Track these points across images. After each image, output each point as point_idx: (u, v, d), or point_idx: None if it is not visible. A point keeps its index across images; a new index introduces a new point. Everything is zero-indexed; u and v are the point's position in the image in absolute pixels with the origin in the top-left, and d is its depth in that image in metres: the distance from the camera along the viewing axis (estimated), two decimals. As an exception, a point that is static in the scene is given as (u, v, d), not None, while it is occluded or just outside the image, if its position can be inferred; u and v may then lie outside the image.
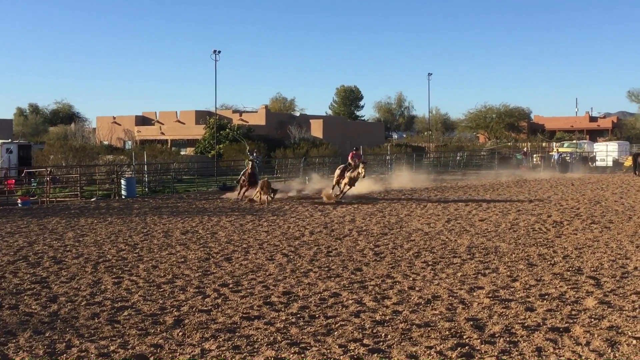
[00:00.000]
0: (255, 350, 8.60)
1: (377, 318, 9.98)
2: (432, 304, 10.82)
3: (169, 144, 64.99)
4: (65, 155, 40.30)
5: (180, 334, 9.32)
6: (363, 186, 30.57)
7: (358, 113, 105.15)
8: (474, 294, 11.47)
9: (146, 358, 8.39)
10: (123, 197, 31.08)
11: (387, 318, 9.98)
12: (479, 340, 8.81)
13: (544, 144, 70.24)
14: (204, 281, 12.72)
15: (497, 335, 9.03)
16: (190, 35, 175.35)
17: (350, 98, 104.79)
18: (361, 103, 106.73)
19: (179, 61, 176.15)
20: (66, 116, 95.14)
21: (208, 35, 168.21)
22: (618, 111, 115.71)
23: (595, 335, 8.96)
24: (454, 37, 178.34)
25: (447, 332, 9.21)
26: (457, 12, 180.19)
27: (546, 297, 11.18)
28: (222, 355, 8.41)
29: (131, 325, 9.78)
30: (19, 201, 28.02)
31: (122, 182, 31.89)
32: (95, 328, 9.65)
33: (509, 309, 10.44)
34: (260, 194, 26.94)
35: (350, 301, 11.04)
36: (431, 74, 72.41)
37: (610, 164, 53.22)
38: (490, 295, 11.34)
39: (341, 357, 8.32)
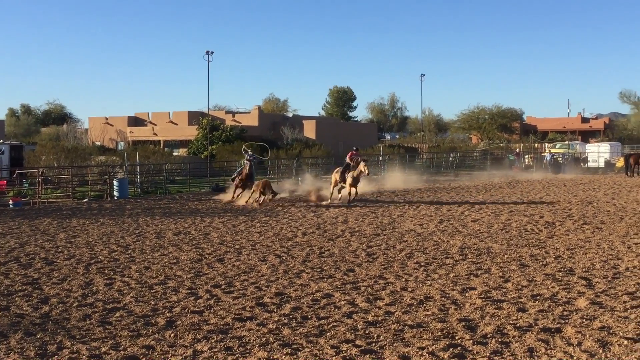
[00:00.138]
0: (247, 351, 8.59)
1: (369, 319, 9.98)
2: (424, 304, 10.83)
3: (161, 145, 64.92)
4: (57, 156, 40.18)
5: (172, 335, 9.30)
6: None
7: (351, 114, 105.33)
8: (466, 294, 11.49)
9: (138, 359, 8.37)
10: (115, 198, 31.00)
11: (380, 319, 9.98)
12: (471, 341, 8.83)
13: (536, 145, 70.49)
14: (197, 282, 12.70)
15: (489, 336, 9.04)
16: (183, 36, 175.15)
17: (343, 99, 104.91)
18: (354, 104, 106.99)
19: (172, 62, 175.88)
20: (58, 117, 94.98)
21: (201, 35, 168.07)
22: (610, 112, 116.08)
23: (587, 336, 8.98)
24: (447, 38, 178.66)
25: (439, 333, 9.22)
26: (450, 13, 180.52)
27: (538, 297, 11.20)
28: (214, 357, 8.40)
29: (123, 326, 9.76)
30: (11, 202, 27.91)
31: (115, 183, 31.81)
32: (87, 329, 9.62)
33: (501, 309, 10.46)
34: (259, 194, 26.47)
35: (342, 302, 11.04)
36: (424, 74, 72.67)
37: (602, 164, 53.41)
38: (482, 296, 11.35)
39: (333, 358, 8.32)
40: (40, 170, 31.46)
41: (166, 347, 8.78)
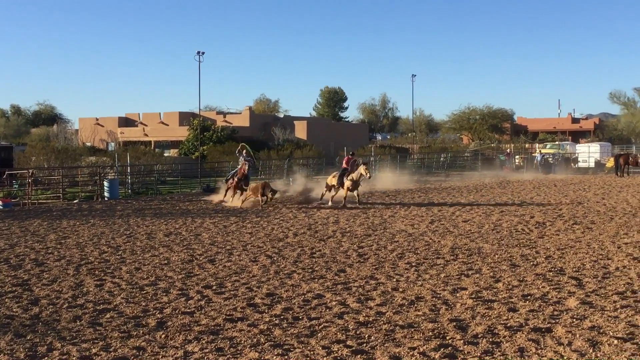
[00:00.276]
0: (238, 352, 8.57)
1: (360, 319, 9.98)
2: (415, 305, 10.84)
3: (152, 146, 64.74)
4: (47, 157, 40.00)
5: (163, 336, 9.28)
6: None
7: (342, 114, 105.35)
8: (457, 294, 11.51)
9: (128, 361, 8.34)
10: (106, 199, 30.92)
11: (371, 319, 9.99)
12: (462, 341, 8.84)
13: (526, 145, 70.67)
14: (187, 283, 12.68)
15: (480, 336, 9.06)
16: (174, 37, 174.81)
17: (334, 99, 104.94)
18: (345, 104, 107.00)
19: (163, 62, 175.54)
20: (48, 117, 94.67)
21: (192, 36, 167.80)
22: (600, 112, 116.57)
23: (577, 336, 9.01)
24: (438, 38, 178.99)
25: (430, 333, 9.23)
26: (441, 14, 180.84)
27: (529, 297, 11.23)
28: (205, 358, 8.38)
29: (113, 327, 9.72)
30: (0, 203, 27.78)
31: (105, 183, 31.73)
32: (77, 331, 9.58)
33: (491, 309, 10.48)
34: (260, 196, 25.96)
35: (333, 302, 11.03)
36: (415, 75, 72.83)
37: (592, 165, 53.63)
38: (473, 296, 11.37)
39: (324, 358, 8.32)
40: (31, 171, 31.36)
41: (157, 348, 8.76)
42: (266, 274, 13.46)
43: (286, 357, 8.38)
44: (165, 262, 14.91)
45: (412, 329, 9.43)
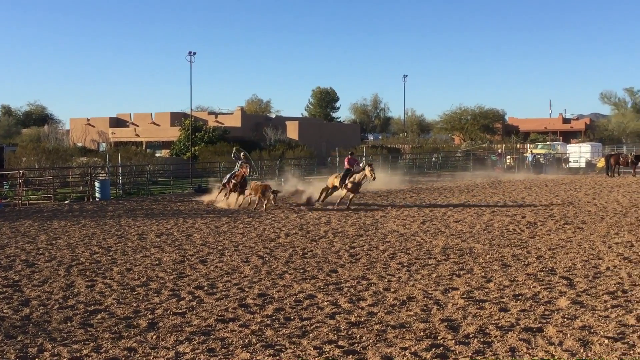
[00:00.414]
0: (230, 352, 8.56)
1: (352, 320, 9.98)
2: (407, 305, 10.85)
3: (143, 146, 64.61)
4: (38, 158, 39.88)
5: (154, 337, 9.25)
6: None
7: (334, 115, 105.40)
8: (449, 294, 11.52)
9: (119, 362, 8.32)
10: (97, 199, 30.83)
11: (362, 319, 9.99)
12: (453, 341, 8.85)
13: (518, 146, 70.85)
14: (179, 284, 12.65)
15: (471, 336, 9.07)
16: (165, 37, 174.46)
17: (326, 100, 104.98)
18: (337, 105, 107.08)
19: (154, 62, 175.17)
20: (39, 118, 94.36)
21: (183, 36, 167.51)
22: (591, 113, 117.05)
23: (568, 335, 9.04)
24: (430, 39, 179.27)
25: (421, 333, 9.24)
26: (432, 14, 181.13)
27: (520, 297, 11.26)
28: (197, 358, 8.36)
29: (104, 328, 9.70)
30: (-9, 204, 27.66)
31: (96, 184, 31.65)
32: (68, 332, 9.55)
33: (483, 309, 10.50)
34: (263, 198, 25.41)
35: (325, 303, 11.03)
36: (407, 75, 72.91)
37: (583, 165, 53.82)
38: (464, 296, 11.39)
39: (316, 359, 8.31)
40: (21, 171, 31.24)
41: (148, 349, 8.73)
42: (258, 274, 13.44)
43: (278, 357, 8.37)
44: (157, 262, 14.88)
45: (404, 329, 9.44)
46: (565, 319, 9.84)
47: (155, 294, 11.80)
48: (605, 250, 15.83)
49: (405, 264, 14.29)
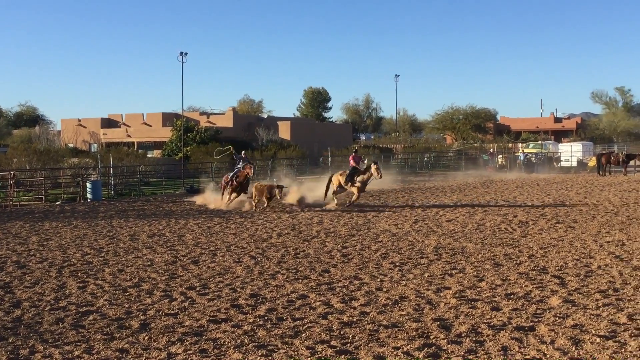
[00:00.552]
0: (222, 353, 8.55)
1: (344, 319, 9.99)
2: (399, 304, 10.86)
3: (135, 147, 64.47)
4: (29, 159, 39.70)
5: (146, 338, 9.23)
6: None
7: (326, 115, 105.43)
8: (441, 294, 11.54)
9: (111, 363, 8.30)
10: (88, 200, 30.73)
11: (355, 319, 10.00)
12: (445, 340, 8.87)
13: (509, 145, 71.00)
14: (171, 284, 12.63)
15: (463, 335, 9.09)
16: (157, 37, 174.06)
17: (318, 100, 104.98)
18: (329, 105, 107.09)
19: (146, 63, 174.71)
20: (30, 119, 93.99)
21: (175, 36, 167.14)
22: (582, 112, 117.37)
23: (560, 334, 9.07)
24: (421, 38, 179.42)
25: (414, 333, 9.25)
26: (424, 14, 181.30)
27: (512, 296, 11.29)
28: (189, 359, 8.35)
29: (96, 330, 9.67)
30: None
31: (88, 185, 31.55)
32: (60, 333, 9.52)
33: (475, 308, 10.52)
34: (264, 197, 25.04)
35: (317, 303, 11.03)
36: (398, 75, 73.07)
37: (574, 164, 53.94)
38: (456, 295, 11.41)
39: (308, 359, 8.31)
40: (12, 172, 31.10)
41: (140, 350, 8.72)
42: (250, 274, 13.43)
43: (270, 357, 8.37)
44: (149, 263, 14.85)
45: (396, 329, 9.45)
46: (557, 318, 9.87)
47: (147, 295, 11.78)
48: (597, 249, 15.89)
49: (397, 264, 14.31)
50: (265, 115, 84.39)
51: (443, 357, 8.28)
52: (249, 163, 27.04)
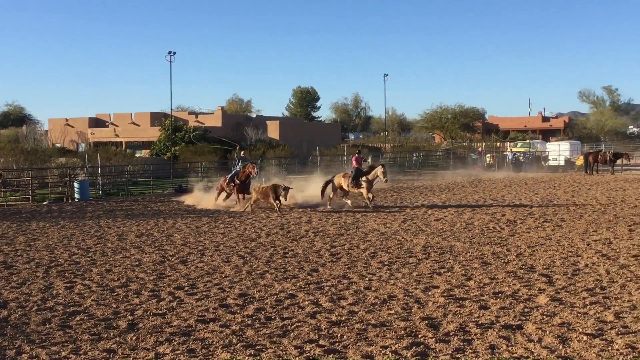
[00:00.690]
0: (210, 353, 8.53)
1: (333, 319, 9.98)
2: (387, 303, 10.86)
3: (123, 146, 64.26)
4: (16, 158, 39.52)
5: (134, 338, 9.20)
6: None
7: (315, 114, 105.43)
8: (429, 293, 11.56)
9: (99, 363, 8.26)
10: (76, 200, 30.61)
11: (343, 318, 9.99)
12: (433, 339, 8.88)
13: (498, 144, 71.24)
14: (159, 284, 12.59)
15: (451, 334, 9.10)
16: (145, 37, 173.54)
17: (306, 99, 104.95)
18: (318, 104, 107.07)
19: (134, 62, 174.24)
20: (17, 118, 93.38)
21: (163, 36, 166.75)
22: (570, 111, 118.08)
23: (547, 332, 9.10)
24: (410, 38, 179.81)
25: (402, 332, 9.26)
26: (413, 14, 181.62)
27: (500, 295, 11.32)
28: (177, 359, 8.32)
29: (83, 330, 9.62)
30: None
31: (75, 185, 31.43)
32: (47, 334, 9.47)
33: (463, 307, 10.54)
34: (270, 200, 24.31)
35: (306, 302, 11.03)
36: (387, 74, 73.08)
37: (562, 163, 54.19)
38: (445, 294, 11.43)
39: (297, 358, 8.31)
40: (-1, 172, 30.91)
41: (127, 350, 8.68)
42: (238, 274, 13.41)
43: (258, 357, 8.36)
44: (137, 263, 14.80)
45: (384, 328, 9.45)
46: (545, 316, 9.90)
47: (135, 295, 11.73)
48: (584, 247, 15.96)
49: (386, 263, 14.32)
50: (254, 115, 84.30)
51: (431, 356, 8.30)
52: (251, 162, 26.70)
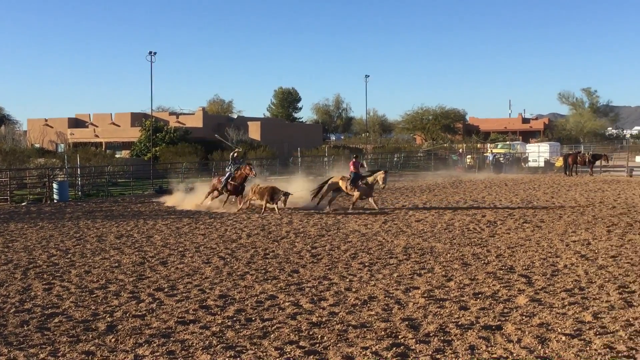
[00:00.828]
0: (190, 355, 8.49)
1: (313, 320, 9.98)
2: (368, 304, 10.87)
3: (103, 147, 63.85)
4: (-6, 159, 39.15)
5: (113, 340, 9.13)
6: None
7: (296, 115, 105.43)
8: (410, 294, 11.58)
9: (77, 366, 8.19)
10: (55, 201, 30.37)
11: (324, 320, 9.99)
12: (414, 340, 8.90)
13: (478, 145, 71.61)
14: (139, 286, 12.51)
15: (431, 335, 9.13)
16: (125, 37, 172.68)
17: (288, 100, 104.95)
18: (299, 105, 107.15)
19: (114, 62, 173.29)
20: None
21: (143, 36, 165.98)
22: (549, 113, 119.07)
23: (527, 333, 9.15)
24: (391, 39, 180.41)
25: (382, 333, 9.27)
26: (394, 15, 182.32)
27: (480, 295, 11.36)
28: (156, 361, 8.28)
29: (62, 332, 9.54)
30: (-54, 206, 27.07)
31: (54, 185, 31.18)
32: (25, 336, 9.38)
33: (443, 308, 10.57)
34: (264, 201, 24.17)
35: (286, 303, 11.01)
36: (368, 76, 73.15)
37: (542, 164, 54.54)
38: (425, 295, 11.46)
39: (277, 359, 8.29)
40: (-23, 173, 30.63)
41: (106, 352, 8.62)
42: (219, 275, 13.36)
43: (239, 358, 8.33)
44: (116, 264, 14.70)
45: (365, 329, 9.46)
46: (524, 317, 9.96)
47: (114, 297, 11.65)
48: (563, 248, 16.07)
49: (366, 264, 14.33)
50: (235, 116, 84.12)
51: (411, 357, 8.31)
52: (248, 163, 26.35)
